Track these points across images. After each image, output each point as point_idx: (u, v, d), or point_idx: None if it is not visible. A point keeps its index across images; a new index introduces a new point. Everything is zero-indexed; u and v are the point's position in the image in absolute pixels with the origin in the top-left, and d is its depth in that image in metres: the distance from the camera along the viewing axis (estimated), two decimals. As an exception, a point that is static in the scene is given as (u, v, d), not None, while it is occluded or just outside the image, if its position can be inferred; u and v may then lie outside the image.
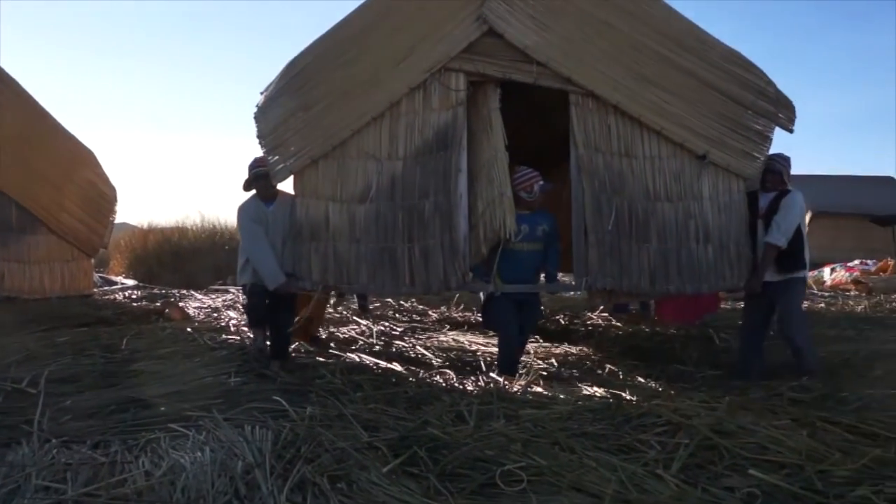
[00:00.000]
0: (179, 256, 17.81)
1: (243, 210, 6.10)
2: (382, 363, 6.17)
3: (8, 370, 5.58)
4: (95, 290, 12.37)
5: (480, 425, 4.03)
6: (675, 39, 6.02)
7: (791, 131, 6.15)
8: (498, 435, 3.84)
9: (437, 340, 7.36)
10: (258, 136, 5.89)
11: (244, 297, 6.54)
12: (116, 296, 12.18)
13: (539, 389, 5.06)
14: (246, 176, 6.07)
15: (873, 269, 16.14)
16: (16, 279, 10.22)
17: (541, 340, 7.53)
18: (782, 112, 6.11)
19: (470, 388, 5.35)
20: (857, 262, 17.42)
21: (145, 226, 20.52)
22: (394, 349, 6.90)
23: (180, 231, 19.36)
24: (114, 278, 16.06)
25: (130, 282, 15.14)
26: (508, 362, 5.82)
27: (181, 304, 10.45)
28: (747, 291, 6.01)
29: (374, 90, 5.89)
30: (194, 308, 10.12)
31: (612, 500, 3.03)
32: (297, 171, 5.92)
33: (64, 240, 10.67)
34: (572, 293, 7.77)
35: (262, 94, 6.00)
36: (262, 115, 5.91)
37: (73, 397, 4.89)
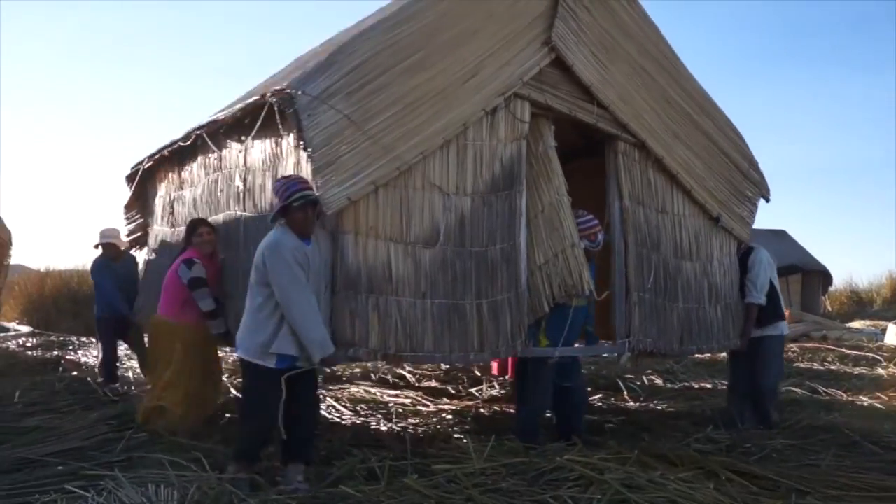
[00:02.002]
0: (79, 302, 17.10)
1: (281, 246, 4.28)
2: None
3: None
4: (-14, 337, 11.78)
5: (392, 482, 3.99)
6: (695, 99, 6.10)
7: (769, 200, 6.57)
8: (411, 492, 3.80)
9: (349, 392, 7.26)
10: (307, 147, 4.38)
11: (251, 379, 4.50)
12: (9, 344, 11.62)
13: (453, 444, 5.04)
14: (278, 202, 4.39)
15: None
16: None
17: (451, 391, 7.53)
18: (763, 181, 6.52)
19: (382, 442, 5.30)
20: (754, 312, 17.95)
21: (43, 269, 19.73)
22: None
23: (80, 275, 18.64)
24: (6, 324, 15.32)
25: (25, 328, 14.47)
26: (533, 429, 5.20)
27: (79, 352, 10.04)
28: (738, 350, 6.22)
29: (444, 106, 4.86)
30: (94, 357, 9.73)
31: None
32: (355, 198, 4.54)
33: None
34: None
35: (296, 90, 4.37)
36: (310, 119, 4.36)
37: (-40, 456, 4.65)
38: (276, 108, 4.55)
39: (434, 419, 6.11)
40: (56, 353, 10.10)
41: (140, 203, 7.98)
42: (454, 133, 4.89)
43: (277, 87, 4.52)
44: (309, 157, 4.39)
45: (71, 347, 11.04)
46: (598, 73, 5.49)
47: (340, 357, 4.51)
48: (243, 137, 5.42)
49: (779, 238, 26.43)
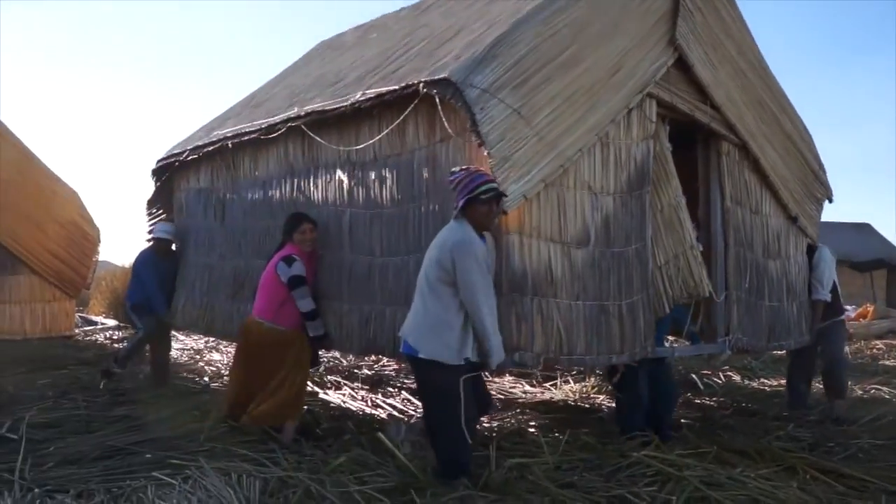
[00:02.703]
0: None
1: (472, 244, 3.96)
2: (367, 408, 6.14)
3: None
4: (77, 330, 12.23)
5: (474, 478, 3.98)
6: (779, 101, 6.11)
7: (832, 201, 6.71)
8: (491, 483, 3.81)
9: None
10: (486, 144, 4.17)
11: (437, 379, 4.03)
12: (97, 337, 12.04)
13: (528, 437, 5.03)
14: (460, 194, 4.02)
15: (853, 314, 16.18)
16: (-4, 320, 10.13)
17: (525, 386, 7.50)
18: (828, 183, 6.63)
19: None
20: (837, 307, 17.44)
21: (127, 265, 20.39)
22: (379, 394, 6.84)
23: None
24: (94, 318, 15.88)
25: (111, 322, 14.98)
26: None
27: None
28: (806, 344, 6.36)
29: (595, 103, 4.73)
30: (176, 350, 10.00)
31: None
32: (529, 196, 4.37)
33: (46, 280, 10.57)
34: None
35: (461, 82, 4.20)
36: (483, 113, 4.17)
37: (55, 444, 4.82)
38: (437, 100, 4.34)
39: (509, 413, 6.09)
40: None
41: (164, 198, 7.81)
42: (604, 130, 4.77)
43: (432, 78, 4.34)
44: (488, 153, 4.18)
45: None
46: (711, 73, 5.44)
47: (507, 362, 4.23)
48: (357, 128, 5.18)
49: (863, 232, 25.56)
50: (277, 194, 6.07)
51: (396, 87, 4.62)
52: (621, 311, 4.76)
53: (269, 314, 5.11)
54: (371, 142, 5.03)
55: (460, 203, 4.00)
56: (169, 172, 7.54)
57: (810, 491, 3.75)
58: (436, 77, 4.33)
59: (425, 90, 4.36)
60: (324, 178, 5.57)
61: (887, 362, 10.24)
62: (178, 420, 5.45)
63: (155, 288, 7.13)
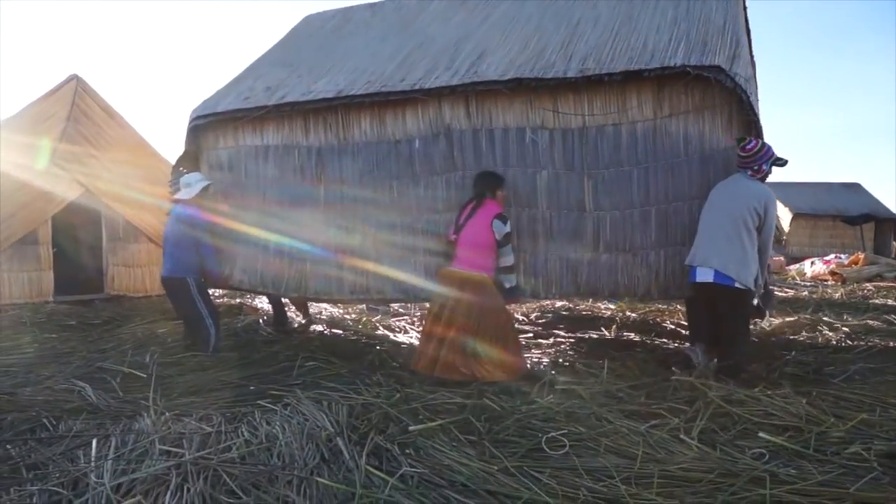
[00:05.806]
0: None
1: (774, 196, 4.44)
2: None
3: (125, 355, 5.67)
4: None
5: (527, 400, 4.00)
6: None
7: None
8: (543, 407, 3.81)
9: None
10: (757, 119, 4.55)
11: (744, 303, 4.41)
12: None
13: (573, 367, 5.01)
14: (762, 158, 4.40)
15: (846, 261, 15.81)
16: (123, 280, 10.36)
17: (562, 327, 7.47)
18: None
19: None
20: (832, 256, 17.17)
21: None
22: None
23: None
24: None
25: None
26: None
27: (257, 300, 10.50)
28: None
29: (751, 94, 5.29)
30: (267, 304, 10.13)
31: (643, 460, 3.00)
32: None
33: (160, 247, 10.78)
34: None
35: (730, 70, 4.48)
36: (751, 95, 4.57)
37: (178, 378, 4.94)
38: (714, 81, 4.50)
39: (553, 349, 6.08)
40: (238, 300, 10.62)
41: (191, 158, 6.44)
42: None
43: (701, 63, 4.52)
44: (759, 126, 4.50)
45: (249, 296, 11.54)
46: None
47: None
48: (554, 98, 5.03)
49: (853, 191, 24.87)
50: (423, 155, 5.45)
51: (651, 68, 4.65)
52: None
53: (489, 267, 4.81)
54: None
55: (764, 167, 4.38)
56: (197, 131, 6.28)
57: (817, 406, 3.70)
58: (704, 63, 4.53)
59: (703, 74, 4.52)
60: (502, 141, 5.20)
61: (876, 301, 10.02)
62: (273, 359, 5.55)
63: (212, 247, 5.77)
